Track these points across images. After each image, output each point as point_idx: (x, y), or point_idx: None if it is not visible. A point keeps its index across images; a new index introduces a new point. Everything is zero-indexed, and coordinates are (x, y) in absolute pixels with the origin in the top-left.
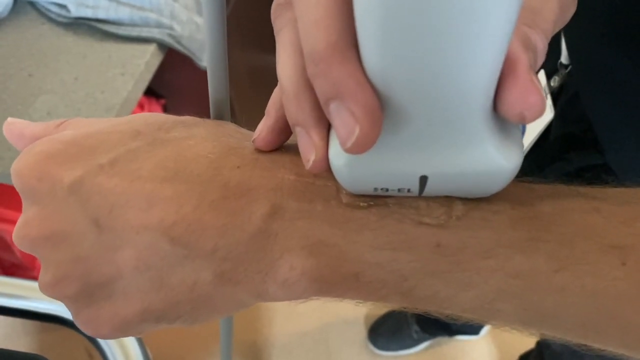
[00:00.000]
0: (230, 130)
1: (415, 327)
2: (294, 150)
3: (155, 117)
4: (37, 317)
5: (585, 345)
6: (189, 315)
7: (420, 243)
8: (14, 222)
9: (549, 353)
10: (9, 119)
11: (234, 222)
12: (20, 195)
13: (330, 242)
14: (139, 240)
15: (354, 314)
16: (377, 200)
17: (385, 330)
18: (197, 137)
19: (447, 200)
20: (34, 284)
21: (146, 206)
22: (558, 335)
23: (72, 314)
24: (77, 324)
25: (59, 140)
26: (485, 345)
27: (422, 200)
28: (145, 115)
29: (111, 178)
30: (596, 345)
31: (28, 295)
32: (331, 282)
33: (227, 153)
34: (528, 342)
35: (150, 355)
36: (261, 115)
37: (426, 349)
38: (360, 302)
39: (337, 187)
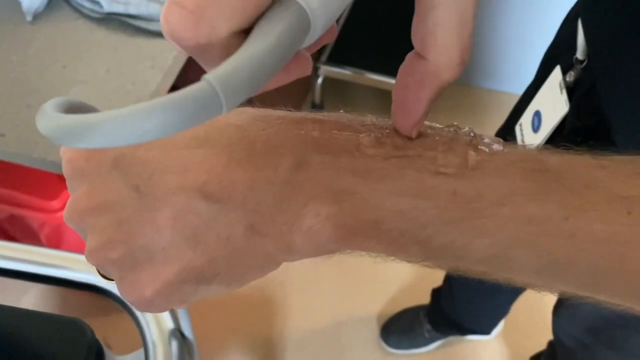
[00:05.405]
0: (253, 108)
1: (427, 326)
2: (316, 113)
3: None
4: (73, 286)
5: (596, 298)
6: (225, 273)
7: (438, 191)
8: (40, 210)
9: (561, 349)
10: None
11: (261, 175)
12: (70, 180)
13: (353, 190)
14: (176, 200)
15: (366, 311)
16: (397, 152)
17: (398, 328)
18: None
19: (463, 151)
20: (70, 255)
21: (182, 170)
22: (570, 287)
23: (116, 281)
24: (122, 292)
25: None
26: (497, 345)
27: (439, 152)
28: None
29: (149, 150)
30: (606, 295)
31: (66, 264)
32: (353, 229)
33: (252, 120)
34: (539, 343)
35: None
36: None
37: (438, 348)
38: (380, 256)
39: (360, 140)
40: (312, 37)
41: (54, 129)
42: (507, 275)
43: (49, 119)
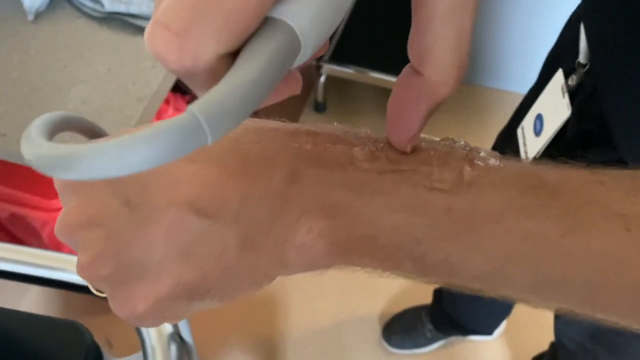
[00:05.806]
0: (247, 118)
1: (429, 326)
2: (310, 125)
3: None
4: (73, 288)
5: (594, 316)
6: (217, 289)
7: (433, 207)
8: (42, 209)
9: (563, 352)
10: None
11: (254, 188)
12: (61, 193)
13: (347, 204)
14: (168, 214)
15: (368, 311)
16: (392, 166)
17: (400, 328)
18: None
19: (458, 167)
20: (70, 257)
21: (173, 183)
22: (567, 304)
23: (108, 297)
24: (114, 308)
25: None
26: (499, 346)
27: (435, 167)
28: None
29: None
30: (604, 314)
31: (66, 267)
32: (347, 244)
33: (246, 132)
34: (541, 344)
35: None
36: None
37: (439, 348)
38: (376, 272)
39: (354, 154)
40: (303, 58)
41: (36, 158)
42: (502, 292)
43: (32, 146)
